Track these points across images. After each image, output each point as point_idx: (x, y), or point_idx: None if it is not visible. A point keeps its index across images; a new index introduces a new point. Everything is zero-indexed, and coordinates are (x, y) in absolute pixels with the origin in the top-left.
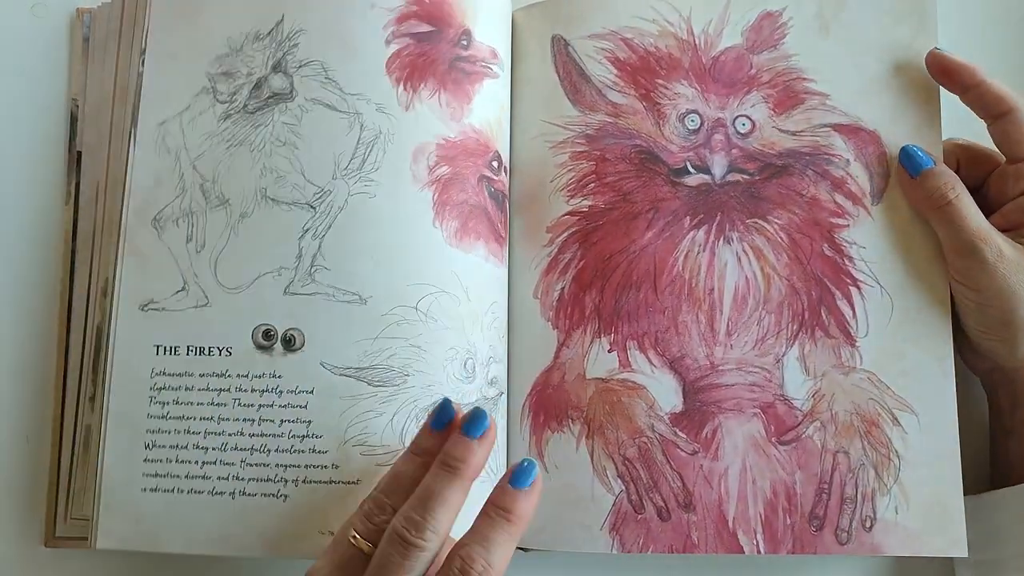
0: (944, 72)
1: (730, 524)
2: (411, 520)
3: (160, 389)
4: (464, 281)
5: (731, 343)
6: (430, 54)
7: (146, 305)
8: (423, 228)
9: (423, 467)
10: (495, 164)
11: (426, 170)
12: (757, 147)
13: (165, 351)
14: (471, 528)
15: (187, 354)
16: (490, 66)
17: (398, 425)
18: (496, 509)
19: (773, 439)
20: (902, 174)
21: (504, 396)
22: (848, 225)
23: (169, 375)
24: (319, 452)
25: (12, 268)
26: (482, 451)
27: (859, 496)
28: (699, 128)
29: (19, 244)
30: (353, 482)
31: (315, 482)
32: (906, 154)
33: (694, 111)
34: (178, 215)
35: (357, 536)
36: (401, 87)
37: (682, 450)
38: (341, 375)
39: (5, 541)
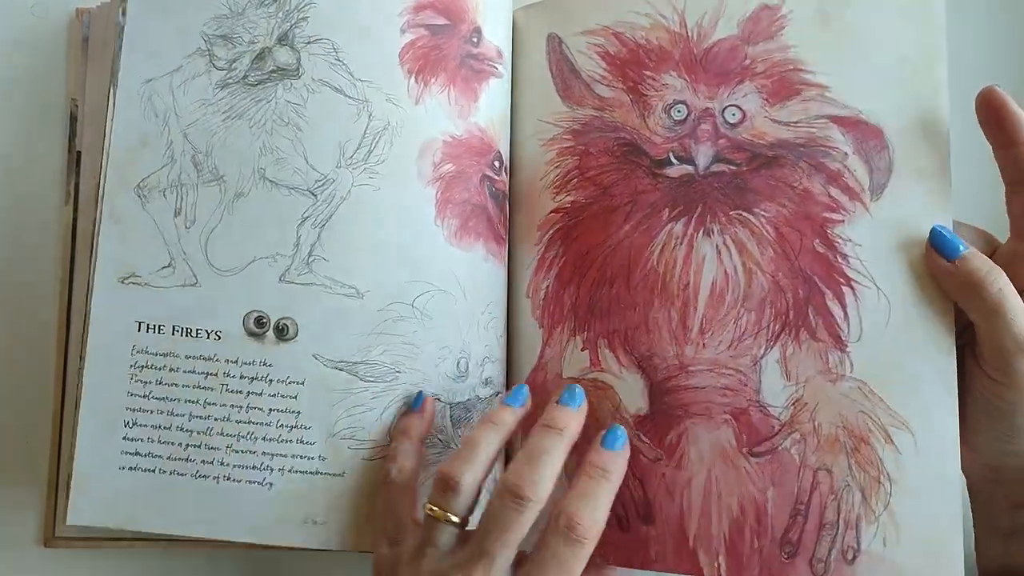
0: (995, 115)
1: (690, 541)
2: (522, 475)
3: (142, 367)
4: (462, 280)
5: (704, 342)
6: (443, 48)
7: (126, 278)
8: (425, 225)
9: (497, 437)
10: (496, 164)
11: (431, 167)
12: (747, 137)
13: (148, 328)
14: (572, 487)
15: (172, 334)
16: (496, 65)
17: (387, 420)
18: (594, 468)
19: (744, 450)
20: (933, 257)
21: (501, 396)
22: (843, 221)
23: (152, 354)
24: (307, 443)
25: (12, 268)
26: (580, 418)
27: (841, 522)
28: (685, 118)
29: (19, 244)
30: (339, 474)
31: (301, 472)
32: (940, 237)
33: (681, 101)
34: (165, 185)
35: (436, 508)
36: (413, 79)
37: (645, 456)
38: (333, 368)
39: (5, 541)
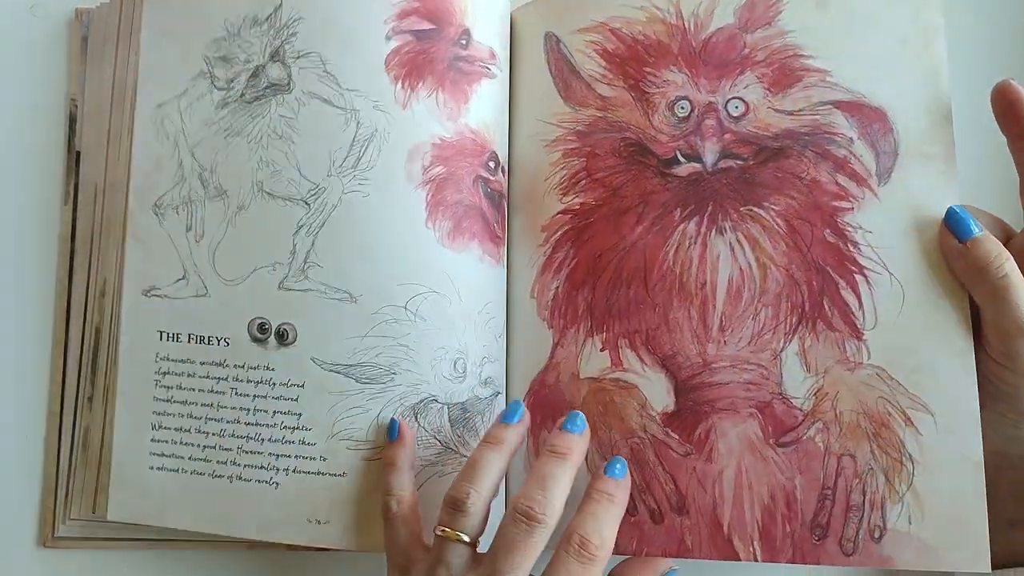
0: (1010, 106)
1: (725, 529)
2: (533, 497)
3: (165, 373)
4: (456, 281)
5: (724, 339)
6: (430, 52)
7: (149, 291)
8: (416, 228)
9: (499, 456)
10: (492, 164)
11: (421, 170)
12: (751, 130)
13: (168, 337)
14: (580, 509)
15: (189, 342)
16: (488, 66)
17: (384, 422)
18: (600, 493)
19: (771, 440)
20: (946, 237)
21: (501, 396)
22: (852, 208)
23: (173, 360)
24: (308, 444)
25: (11, 268)
26: (584, 443)
27: (867, 504)
28: (689, 115)
29: (18, 244)
30: (340, 475)
31: (304, 472)
32: (954, 217)
33: (684, 97)
34: (178, 203)
35: (446, 529)
36: (399, 85)
37: (674, 451)
38: (330, 371)
39: (4, 542)
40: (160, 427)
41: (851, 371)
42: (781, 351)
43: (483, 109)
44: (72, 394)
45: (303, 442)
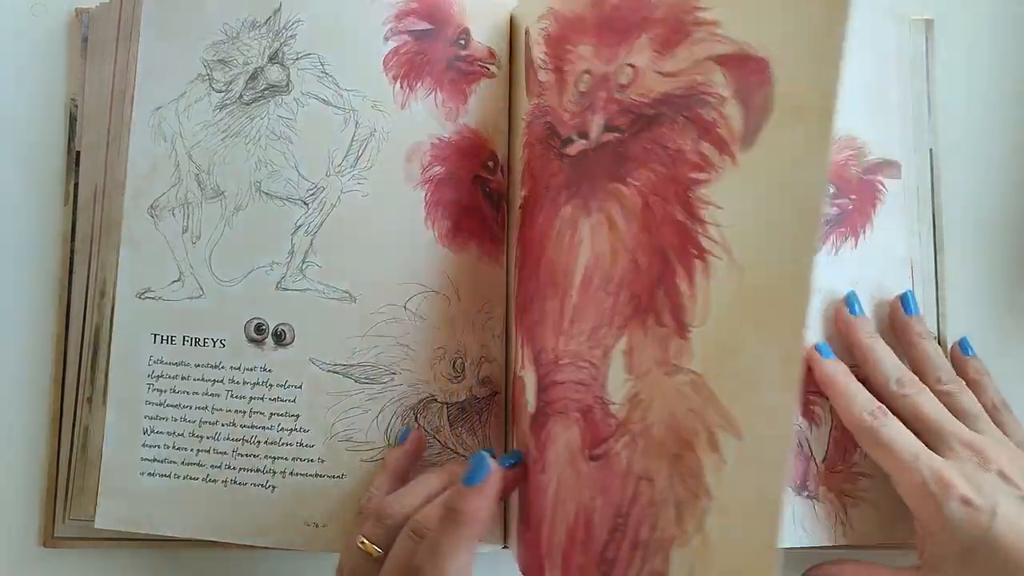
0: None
1: (543, 550)
2: (430, 519)
3: (158, 377)
4: (455, 281)
5: (572, 332)
6: (428, 52)
7: (143, 293)
8: (415, 228)
9: (438, 481)
10: (491, 164)
11: (419, 169)
12: (633, 98)
13: (162, 340)
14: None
15: (183, 344)
16: (487, 66)
17: (384, 422)
18: (446, 510)
19: (586, 451)
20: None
21: (499, 396)
22: (708, 180)
23: (166, 363)
24: (307, 446)
25: (11, 268)
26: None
27: (653, 543)
28: (589, 89)
29: (18, 245)
30: (339, 476)
31: (302, 475)
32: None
33: (586, 71)
34: (174, 205)
35: (366, 541)
36: (398, 85)
37: (530, 458)
38: (329, 371)
39: (4, 541)
40: (152, 432)
41: (669, 375)
42: (612, 348)
43: (482, 109)
44: (72, 394)
45: (301, 444)
